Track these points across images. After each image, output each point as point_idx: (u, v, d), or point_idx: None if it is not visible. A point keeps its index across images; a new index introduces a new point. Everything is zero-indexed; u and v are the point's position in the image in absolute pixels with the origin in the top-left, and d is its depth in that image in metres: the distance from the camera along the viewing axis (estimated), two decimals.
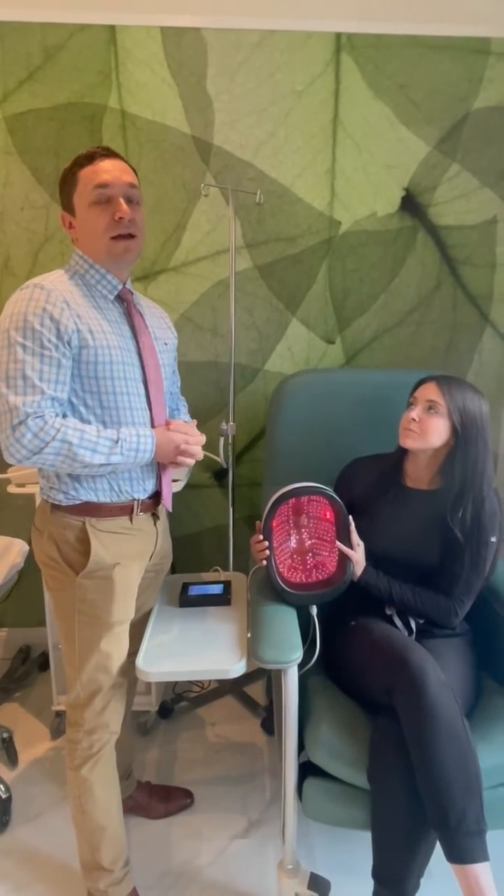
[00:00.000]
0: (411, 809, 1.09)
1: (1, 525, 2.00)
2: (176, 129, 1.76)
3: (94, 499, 1.15)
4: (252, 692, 1.96)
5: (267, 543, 1.30)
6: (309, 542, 1.40)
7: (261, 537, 1.31)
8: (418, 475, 1.41)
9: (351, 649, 1.31)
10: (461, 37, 1.73)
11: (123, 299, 1.19)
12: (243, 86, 1.74)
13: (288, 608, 1.27)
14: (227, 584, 1.48)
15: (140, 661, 1.21)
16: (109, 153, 1.12)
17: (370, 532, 1.37)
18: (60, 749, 1.73)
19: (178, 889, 1.34)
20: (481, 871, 1.03)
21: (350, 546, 1.31)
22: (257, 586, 1.36)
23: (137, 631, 1.30)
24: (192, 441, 1.18)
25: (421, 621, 1.35)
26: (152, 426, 1.18)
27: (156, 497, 1.25)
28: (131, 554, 1.20)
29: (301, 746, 1.20)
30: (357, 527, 1.33)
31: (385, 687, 1.16)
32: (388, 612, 1.37)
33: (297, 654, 1.13)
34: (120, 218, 1.10)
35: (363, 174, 1.82)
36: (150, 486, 1.21)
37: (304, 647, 1.17)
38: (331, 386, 1.70)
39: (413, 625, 1.34)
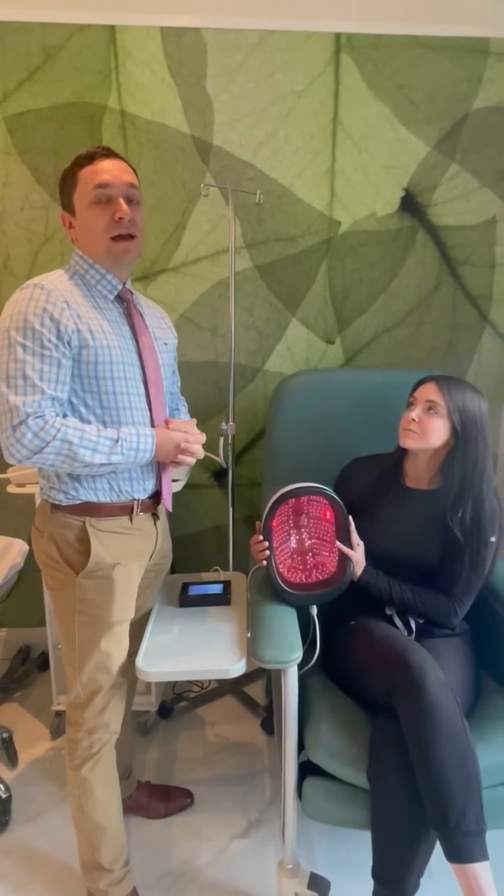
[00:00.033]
0: (411, 809, 1.09)
1: (1, 525, 2.00)
2: (176, 129, 1.76)
3: (94, 499, 1.15)
4: (252, 692, 1.96)
5: (267, 543, 1.30)
6: (309, 542, 1.40)
7: (261, 537, 1.31)
8: (418, 475, 1.41)
9: (351, 649, 1.31)
10: (461, 37, 1.73)
11: (123, 299, 1.19)
12: (243, 86, 1.74)
13: (288, 608, 1.27)
14: (226, 584, 1.48)
15: (140, 660, 1.21)
16: (109, 153, 1.12)
17: (370, 532, 1.37)
18: (60, 749, 1.73)
19: (178, 889, 1.34)
20: (481, 870, 1.03)
21: (350, 546, 1.31)
22: (257, 586, 1.36)
23: (137, 631, 1.30)
24: (192, 439, 1.18)
25: (421, 621, 1.35)
26: (152, 426, 1.18)
27: (156, 497, 1.25)
28: (131, 554, 1.20)
29: (301, 746, 1.20)
30: (357, 527, 1.33)
31: (385, 687, 1.16)
32: (388, 611, 1.37)
33: (297, 654, 1.13)
34: (120, 218, 1.10)
35: (363, 174, 1.82)
36: (150, 486, 1.21)
37: (303, 646, 1.17)
38: (330, 386, 1.70)
39: (413, 625, 1.34)
